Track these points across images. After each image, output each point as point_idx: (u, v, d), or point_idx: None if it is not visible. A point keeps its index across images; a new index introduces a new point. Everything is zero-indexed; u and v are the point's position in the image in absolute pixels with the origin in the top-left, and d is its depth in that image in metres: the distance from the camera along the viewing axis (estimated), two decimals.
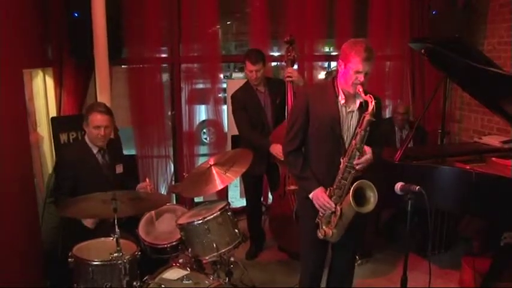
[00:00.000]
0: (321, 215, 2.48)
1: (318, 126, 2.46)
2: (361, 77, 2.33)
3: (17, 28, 3.10)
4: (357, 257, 3.85)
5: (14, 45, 2.96)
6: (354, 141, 2.35)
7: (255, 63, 3.65)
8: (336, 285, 2.76)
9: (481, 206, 3.14)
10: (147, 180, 3.12)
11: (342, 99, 2.43)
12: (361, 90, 2.33)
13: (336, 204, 2.42)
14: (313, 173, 2.50)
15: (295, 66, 3.79)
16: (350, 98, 2.45)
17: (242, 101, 3.77)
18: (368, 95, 2.32)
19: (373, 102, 2.29)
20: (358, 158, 2.36)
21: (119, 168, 3.17)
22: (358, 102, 2.44)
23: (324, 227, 2.48)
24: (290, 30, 4.32)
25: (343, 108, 2.44)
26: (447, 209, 3.62)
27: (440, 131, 4.89)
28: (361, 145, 2.34)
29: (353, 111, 2.45)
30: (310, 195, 2.48)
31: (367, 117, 2.31)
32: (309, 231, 2.58)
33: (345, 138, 2.44)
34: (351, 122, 2.45)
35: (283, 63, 3.90)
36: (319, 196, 2.45)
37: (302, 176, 2.53)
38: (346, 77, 2.37)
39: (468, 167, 3.24)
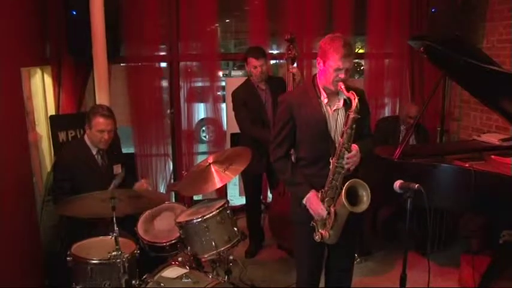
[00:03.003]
0: (316, 218, 2.43)
1: (306, 130, 2.42)
2: (341, 74, 2.28)
3: (15, 26, 3.10)
4: (356, 255, 3.86)
5: (12, 44, 2.95)
6: (341, 140, 2.31)
7: (258, 59, 3.67)
8: (334, 285, 2.72)
9: (480, 204, 3.14)
10: (143, 180, 3.12)
11: (324, 99, 2.39)
12: (343, 87, 2.29)
13: (329, 206, 2.37)
14: (305, 176, 2.45)
15: (295, 64, 3.78)
16: (333, 95, 2.41)
17: (243, 98, 3.77)
18: (350, 92, 2.27)
19: (356, 99, 2.24)
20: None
21: (117, 169, 3.17)
22: (342, 100, 2.40)
23: (320, 229, 2.43)
24: (289, 28, 4.32)
25: (328, 108, 2.40)
26: (446, 207, 3.62)
27: (439, 129, 4.90)
28: (349, 144, 2.30)
29: (338, 109, 2.41)
30: (304, 201, 2.42)
31: (352, 115, 2.26)
32: (304, 236, 2.52)
33: (334, 137, 2.40)
34: (337, 120, 2.40)
35: (282, 61, 3.89)
36: (312, 201, 2.40)
37: (293, 181, 2.48)
38: (326, 74, 2.32)
39: (467, 165, 3.24)
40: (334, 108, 2.41)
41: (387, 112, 5.07)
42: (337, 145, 2.37)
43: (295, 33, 3.79)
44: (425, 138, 4.40)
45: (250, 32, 4.72)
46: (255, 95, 3.79)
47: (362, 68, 5.47)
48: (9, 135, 2.86)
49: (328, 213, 2.37)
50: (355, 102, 2.25)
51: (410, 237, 3.89)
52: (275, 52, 4.89)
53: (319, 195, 2.40)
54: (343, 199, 2.25)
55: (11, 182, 2.86)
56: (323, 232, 2.42)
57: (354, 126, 2.27)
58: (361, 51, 5.15)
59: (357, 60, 5.72)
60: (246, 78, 3.90)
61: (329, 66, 2.29)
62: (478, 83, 3.38)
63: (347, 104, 2.38)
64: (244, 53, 3.86)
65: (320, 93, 2.41)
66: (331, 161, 2.35)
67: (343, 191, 2.27)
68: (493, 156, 3.53)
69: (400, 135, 4.30)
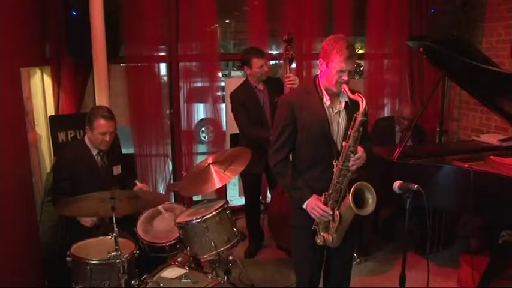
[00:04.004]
0: (318, 221, 2.40)
1: (308, 133, 2.38)
2: (345, 76, 2.26)
3: (15, 26, 3.09)
4: (356, 255, 3.87)
5: (11, 44, 2.94)
6: (346, 144, 2.28)
7: (262, 57, 3.69)
8: (332, 285, 2.71)
9: (479, 205, 3.14)
10: (139, 184, 3.12)
11: (327, 100, 2.36)
12: (347, 89, 2.27)
13: (333, 209, 2.34)
14: (305, 180, 2.42)
15: (293, 65, 3.78)
16: (334, 97, 2.38)
17: (241, 100, 3.77)
18: (357, 94, 2.25)
19: (364, 102, 2.22)
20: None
21: (117, 169, 3.17)
22: (343, 102, 2.38)
23: (321, 233, 2.40)
24: (288, 28, 4.31)
25: (330, 110, 2.38)
26: (445, 207, 3.63)
27: (438, 129, 4.90)
28: (355, 146, 2.28)
29: (339, 111, 2.39)
30: (304, 206, 2.38)
31: (359, 117, 2.23)
32: (304, 239, 2.49)
33: (335, 140, 2.38)
34: (339, 123, 2.38)
35: (281, 61, 3.89)
36: (313, 205, 2.35)
37: (293, 186, 2.42)
38: (329, 76, 2.30)
39: (466, 166, 3.24)
40: (336, 110, 2.39)
41: (387, 112, 5.08)
42: (338, 148, 2.36)
43: (295, 34, 3.79)
44: (422, 139, 4.38)
45: (250, 32, 4.72)
46: (253, 96, 3.79)
47: (361, 68, 5.47)
48: (8, 135, 2.86)
49: (333, 217, 2.35)
50: (363, 104, 2.22)
51: (410, 237, 3.90)
52: (274, 53, 4.89)
53: (322, 199, 2.36)
54: (350, 202, 2.23)
55: (10, 182, 2.85)
56: (325, 235, 2.39)
57: (361, 129, 2.25)
58: (360, 51, 5.15)
59: (356, 61, 5.76)
60: (244, 79, 3.89)
61: (332, 68, 2.27)
62: (477, 83, 3.39)
63: (348, 106, 2.37)
64: (242, 55, 3.82)
65: (322, 95, 2.38)
66: (334, 163, 2.33)
67: (351, 193, 2.24)
68: (492, 157, 3.53)
69: (395, 136, 4.30)
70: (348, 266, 2.73)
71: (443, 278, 3.65)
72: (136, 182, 3.17)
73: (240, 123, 3.80)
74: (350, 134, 2.27)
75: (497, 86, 3.20)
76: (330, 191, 2.35)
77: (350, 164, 2.29)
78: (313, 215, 2.37)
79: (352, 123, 2.27)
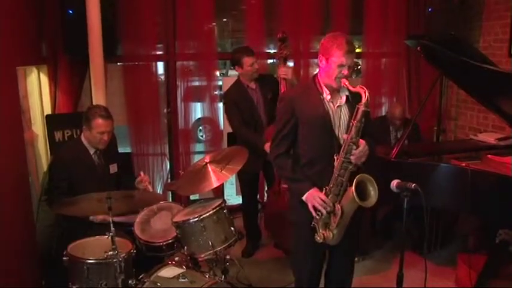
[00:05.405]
0: (317, 218, 2.38)
1: (309, 127, 2.39)
2: (345, 71, 2.29)
3: (11, 25, 3.08)
4: None
5: (7, 43, 2.94)
6: (348, 136, 2.29)
7: (252, 55, 3.69)
8: (334, 286, 2.70)
9: (477, 203, 3.14)
10: (142, 174, 3.12)
11: (327, 95, 2.38)
12: (347, 83, 2.29)
13: (333, 203, 2.34)
14: (306, 175, 2.42)
15: (291, 64, 3.77)
16: (334, 93, 2.40)
17: (234, 99, 3.76)
18: (359, 86, 2.27)
19: (367, 93, 2.24)
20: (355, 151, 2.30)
21: (114, 168, 3.16)
22: (344, 97, 2.40)
23: (321, 230, 2.39)
24: (286, 27, 4.30)
25: (331, 104, 2.39)
26: (443, 206, 3.63)
27: (436, 128, 4.90)
28: (357, 137, 2.28)
29: (341, 106, 2.40)
30: (304, 197, 2.38)
31: (362, 108, 2.25)
32: (304, 237, 2.48)
33: (337, 134, 2.38)
34: (341, 117, 2.39)
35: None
36: (314, 195, 2.35)
37: (294, 178, 2.44)
38: (329, 71, 2.32)
39: (464, 164, 3.24)
40: (337, 105, 2.40)
41: (384, 111, 5.08)
42: (341, 142, 2.35)
43: (292, 32, 3.78)
44: (417, 138, 4.36)
45: (247, 31, 4.71)
46: (246, 95, 3.78)
47: (359, 67, 5.47)
48: (5, 134, 2.85)
49: (333, 212, 2.34)
50: (365, 95, 2.24)
51: (407, 236, 3.90)
52: (272, 51, 4.89)
53: (323, 193, 2.36)
54: (354, 192, 2.22)
55: (7, 182, 2.84)
56: (325, 233, 2.38)
57: (363, 120, 2.26)
58: (358, 50, 5.15)
59: (354, 60, 5.77)
60: (236, 78, 3.88)
61: (332, 63, 2.29)
62: (474, 82, 3.39)
63: (349, 100, 2.39)
64: (232, 56, 3.80)
65: (322, 90, 2.40)
66: (335, 157, 2.33)
67: (354, 184, 2.23)
68: (489, 156, 3.54)
69: (390, 135, 4.30)
70: (350, 267, 2.70)
71: (440, 277, 3.65)
72: (141, 173, 3.17)
73: (232, 124, 3.81)
74: (352, 124, 2.28)
75: (494, 85, 3.20)
76: (331, 185, 2.35)
77: (351, 157, 2.29)
78: (311, 207, 2.37)
79: (354, 114, 2.29)
